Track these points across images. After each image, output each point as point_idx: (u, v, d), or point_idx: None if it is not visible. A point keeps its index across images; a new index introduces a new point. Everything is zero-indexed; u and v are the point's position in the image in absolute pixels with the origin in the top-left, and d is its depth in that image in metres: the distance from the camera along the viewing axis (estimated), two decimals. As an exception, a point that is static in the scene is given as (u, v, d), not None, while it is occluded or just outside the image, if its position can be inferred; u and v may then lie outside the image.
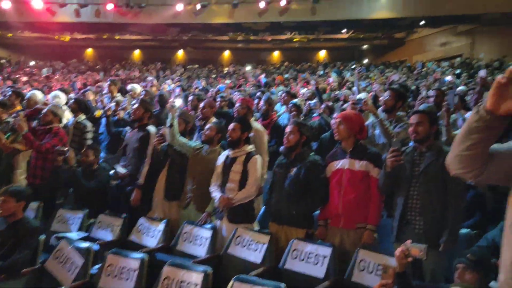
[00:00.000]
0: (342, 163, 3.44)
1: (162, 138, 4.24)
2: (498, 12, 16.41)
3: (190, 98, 6.30)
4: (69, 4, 18.30)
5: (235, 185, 3.80)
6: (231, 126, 3.94)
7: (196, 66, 20.38)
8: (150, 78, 13.89)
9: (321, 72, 16.49)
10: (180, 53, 25.56)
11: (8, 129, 5.12)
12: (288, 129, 3.64)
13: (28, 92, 5.99)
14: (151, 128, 4.68)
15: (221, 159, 3.99)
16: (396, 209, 3.18)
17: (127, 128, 5.50)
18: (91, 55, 25.62)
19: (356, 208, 3.34)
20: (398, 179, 3.15)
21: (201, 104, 5.16)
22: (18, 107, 5.96)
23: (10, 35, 23.35)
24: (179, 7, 18.19)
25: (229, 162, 3.89)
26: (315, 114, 6.41)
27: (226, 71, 19.38)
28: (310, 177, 3.51)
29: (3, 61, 20.43)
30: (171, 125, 4.17)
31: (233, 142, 3.88)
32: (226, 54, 25.45)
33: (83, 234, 4.21)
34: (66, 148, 4.75)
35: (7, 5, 17.79)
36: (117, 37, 23.96)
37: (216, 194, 3.85)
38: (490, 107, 1.30)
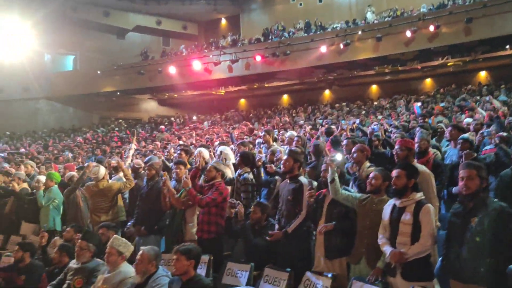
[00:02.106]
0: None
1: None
2: None
3: (345, 142, 6.15)
4: (223, 61, 20.13)
5: (406, 238, 3.44)
6: (394, 173, 3.63)
7: (344, 104, 20.15)
8: (301, 122, 14.21)
9: (486, 98, 13.68)
10: (327, 93, 25.76)
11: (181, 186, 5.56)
12: (464, 174, 3.20)
13: (196, 150, 6.52)
14: (303, 179, 4.60)
15: (387, 209, 3.68)
16: None
17: (277, 177, 5.54)
18: (244, 104, 27.49)
19: None
20: None
21: (353, 150, 4.96)
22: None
23: (176, 95, 26.74)
24: (323, 49, 18.51)
25: (397, 213, 3.56)
26: (489, 147, 5.71)
27: (376, 106, 18.69)
28: (498, 227, 3.00)
29: (172, 119, 23.23)
30: (333, 180, 4.05)
31: (399, 191, 3.56)
32: (374, 87, 24.78)
33: (251, 288, 4.28)
34: (237, 202, 4.95)
35: (173, 70, 20.63)
36: (266, 85, 25.34)
37: (386, 248, 3.54)
38: None
